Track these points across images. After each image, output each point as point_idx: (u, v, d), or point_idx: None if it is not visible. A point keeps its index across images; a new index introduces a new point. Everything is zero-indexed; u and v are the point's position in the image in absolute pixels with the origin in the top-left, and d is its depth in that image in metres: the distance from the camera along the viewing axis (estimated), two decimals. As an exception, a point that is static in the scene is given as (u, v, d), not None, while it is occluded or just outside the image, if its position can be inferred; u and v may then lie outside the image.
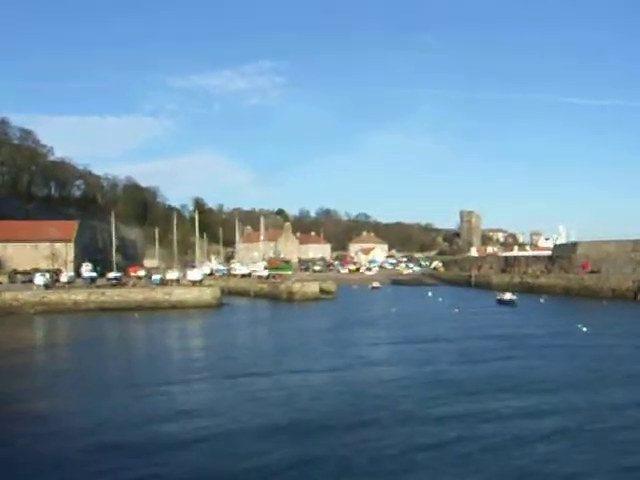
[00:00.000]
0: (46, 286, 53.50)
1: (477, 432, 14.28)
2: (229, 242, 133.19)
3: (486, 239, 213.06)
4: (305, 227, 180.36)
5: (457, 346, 28.50)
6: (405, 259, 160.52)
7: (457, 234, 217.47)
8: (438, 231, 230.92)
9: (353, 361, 24.85)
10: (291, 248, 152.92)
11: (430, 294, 67.92)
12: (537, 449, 13.16)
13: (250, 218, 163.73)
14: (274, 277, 72.24)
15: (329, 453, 12.98)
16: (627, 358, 25.06)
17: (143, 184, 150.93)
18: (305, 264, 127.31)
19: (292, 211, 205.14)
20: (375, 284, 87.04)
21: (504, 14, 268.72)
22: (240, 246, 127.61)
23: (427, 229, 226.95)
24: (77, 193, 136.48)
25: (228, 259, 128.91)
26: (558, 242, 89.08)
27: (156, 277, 61.80)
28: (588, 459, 12.55)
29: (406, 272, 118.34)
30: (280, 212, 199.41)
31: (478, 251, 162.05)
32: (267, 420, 15.62)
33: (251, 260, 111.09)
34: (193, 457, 12.87)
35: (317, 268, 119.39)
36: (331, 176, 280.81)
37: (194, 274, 62.19)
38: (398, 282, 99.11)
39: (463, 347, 28.09)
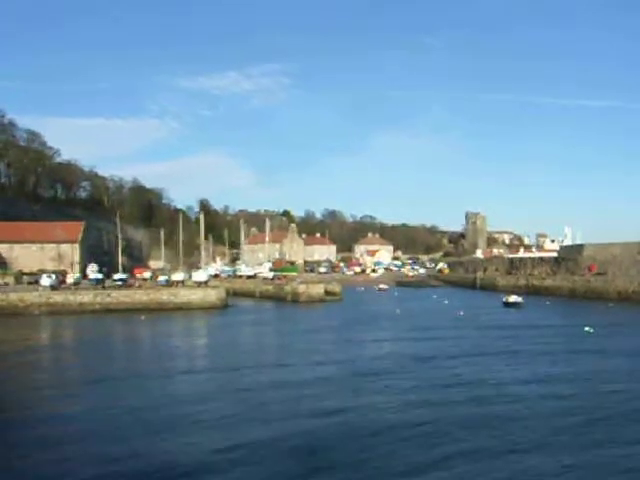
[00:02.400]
0: (52, 287, 53.63)
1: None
2: (234, 244, 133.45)
3: (492, 241, 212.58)
4: (310, 228, 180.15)
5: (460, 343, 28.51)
6: (410, 261, 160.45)
7: (462, 236, 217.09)
8: (443, 233, 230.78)
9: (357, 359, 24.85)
10: (296, 249, 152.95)
11: (435, 296, 67.77)
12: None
13: (255, 219, 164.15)
14: (279, 278, 72.33)
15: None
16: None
17: (149, 185, 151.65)
18: (310, 266, 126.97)
19: (297, 212, 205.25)
20: (382, 286, 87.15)
21: (508, 16, 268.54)
22: (245, 247, 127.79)
23: (432, 231, 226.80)
24: (83, 194, 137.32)
25: (233, 260, 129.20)
26: (564, 244, 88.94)
27: (162, 278, 62.28)
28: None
29: (411, 274, 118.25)
30: (285, 213, 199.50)
31: (484, 253, 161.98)
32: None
33: (256, 261, 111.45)
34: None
35: (322, 270, 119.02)
36: (336, 177, 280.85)
37: (199, 275, 62.45)
38: (403, 284, 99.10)
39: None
